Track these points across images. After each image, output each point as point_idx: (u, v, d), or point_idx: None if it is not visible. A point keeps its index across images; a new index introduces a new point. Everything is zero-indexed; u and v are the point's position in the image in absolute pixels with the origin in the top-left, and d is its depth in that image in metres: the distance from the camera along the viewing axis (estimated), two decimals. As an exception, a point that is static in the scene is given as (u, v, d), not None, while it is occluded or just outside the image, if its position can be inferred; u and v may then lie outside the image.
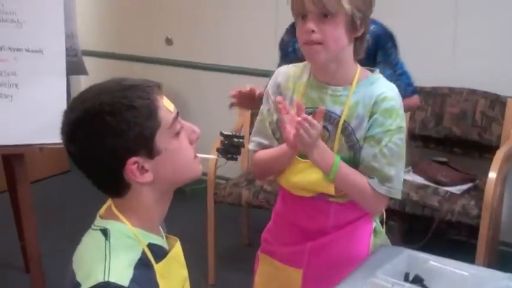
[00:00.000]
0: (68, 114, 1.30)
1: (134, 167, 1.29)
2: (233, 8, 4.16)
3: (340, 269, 1.75)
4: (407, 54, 3.54)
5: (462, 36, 3.44)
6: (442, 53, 3.50)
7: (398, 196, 1.78)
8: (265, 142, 1.88)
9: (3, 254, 3.60)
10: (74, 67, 3.04)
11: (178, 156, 1.35)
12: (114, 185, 1.33)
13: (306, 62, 1.85)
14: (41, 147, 2.82)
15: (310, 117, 1.64)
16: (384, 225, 1.94)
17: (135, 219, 1.35)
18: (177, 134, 1.35)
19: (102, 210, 1.40)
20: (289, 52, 2.44)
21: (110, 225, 1.34)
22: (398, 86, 1.81)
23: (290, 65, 1.90)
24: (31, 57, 2.79)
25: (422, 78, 3.53)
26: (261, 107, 1.91)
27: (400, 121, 1.74)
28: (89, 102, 1.27)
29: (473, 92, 3.38)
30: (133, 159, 1.28)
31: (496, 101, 3.31)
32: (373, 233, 1.86)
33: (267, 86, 1.92)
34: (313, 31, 1.66)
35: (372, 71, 1.82)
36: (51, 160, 4.51)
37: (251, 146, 1.90)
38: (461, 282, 1.68)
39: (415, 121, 3.48)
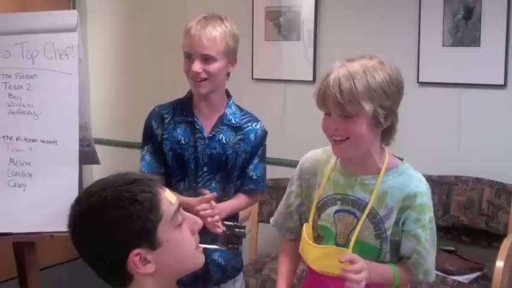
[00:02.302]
0: (74, 207, 1.35)
1: (137, 259, 1.32)
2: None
3: None
4: (414, 143, 3.62)
5: (467, 125, 3.50)
6: (447, 142, 3.55)
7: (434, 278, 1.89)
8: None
9: None
10: (87, 157, 3.08)
11: (180, 247, 1.38)
12: (118, 276, 1.36)
13: None
14: (52, 235, 2.85)
15: (351, 256, 1.71)
16: None
17: None
18: (179, 225, 1.39)
19: (106, 301, 1.43)
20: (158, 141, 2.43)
21: (113, 316, 1.37)
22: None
23: (319, 150, 1.96)
24: (45, 147, 2.84)
25: (428, 167, 3.56)
26: (287, 189, 2.00)
27: (431, 213, 1.82)
28: (95, 196, 1.32)
29: (479, 180, 3.41)
30: (136, 251, 1.31)
31: (501, 190, 3.33)
32: None
33: None
34: (336, 129, 1.74)
35: (402, 160, 1.87)
36: (61, 247, 4.52)
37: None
38: None
39: (423, 209, 3.50)
